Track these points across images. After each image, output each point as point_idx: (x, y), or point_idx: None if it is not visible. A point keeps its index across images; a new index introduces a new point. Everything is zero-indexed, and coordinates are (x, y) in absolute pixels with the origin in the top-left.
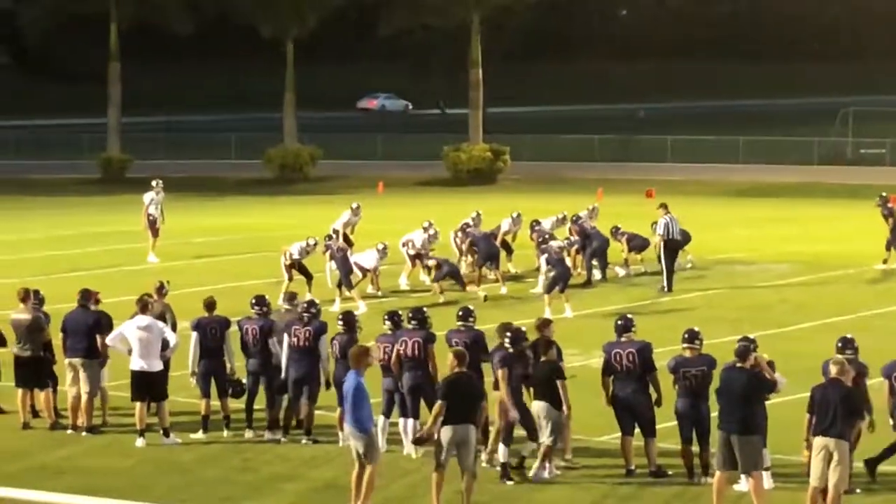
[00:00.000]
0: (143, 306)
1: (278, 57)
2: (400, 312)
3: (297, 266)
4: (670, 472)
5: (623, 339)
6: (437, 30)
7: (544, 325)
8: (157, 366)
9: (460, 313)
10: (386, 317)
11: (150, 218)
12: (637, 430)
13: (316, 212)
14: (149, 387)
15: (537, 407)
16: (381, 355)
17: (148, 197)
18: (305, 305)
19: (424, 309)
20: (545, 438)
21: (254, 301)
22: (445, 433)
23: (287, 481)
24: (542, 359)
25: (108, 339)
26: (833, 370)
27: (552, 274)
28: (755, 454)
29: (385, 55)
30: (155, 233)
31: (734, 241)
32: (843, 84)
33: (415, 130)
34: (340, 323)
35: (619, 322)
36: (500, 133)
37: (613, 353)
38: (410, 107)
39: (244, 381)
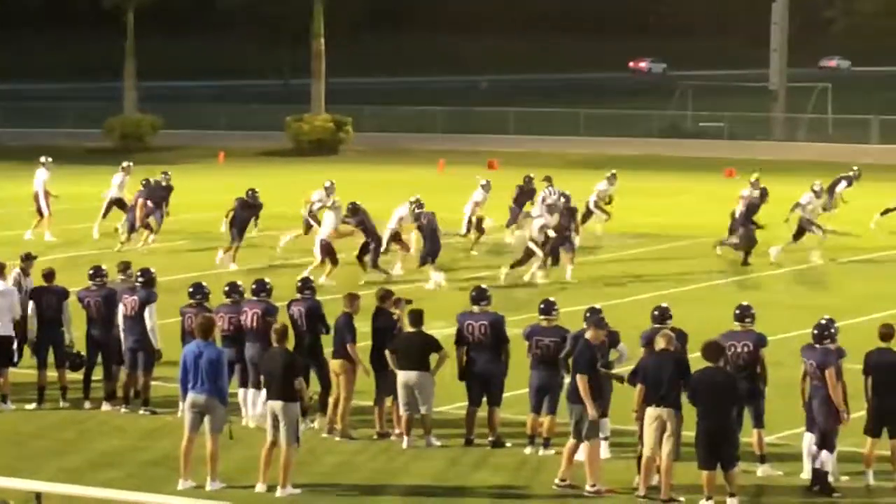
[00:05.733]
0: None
1: (120, 27)
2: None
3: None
4: (509, 444)
5: (476, 310)
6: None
7: (387, 296)
8: (9, 330)
9: (474, 294)
10: (227, 288)
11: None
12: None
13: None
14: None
15: (410, 377)
16: (226, 325)
17: (40, 175)
18: (138, 273)
19: (266, 280)
20: (423, 408)
21: (91, 272)
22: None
23: (125, 453)
24: (412, 330)
25: None
26: (661, 342)
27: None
28: (582, 423)
29: (232, 25)
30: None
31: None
32: (682, 59)
33: (258, 101)
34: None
35: (473, 293)
36: (344, 104)
37: (466, 323)
38: None
39: (83, 353)
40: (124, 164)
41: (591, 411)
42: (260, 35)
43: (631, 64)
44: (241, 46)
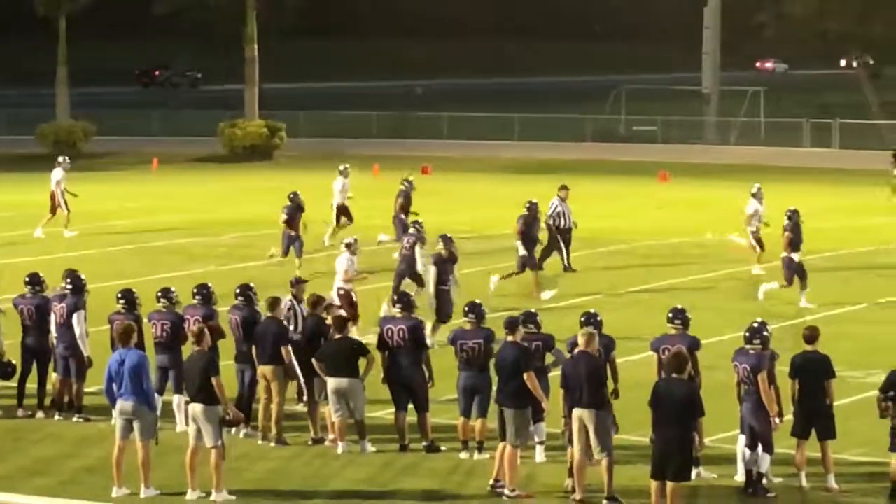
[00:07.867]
0: None
1: (53, 33)
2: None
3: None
4: (444, 448)
5: (397, 315)
6: (216, 6)
7: (318, 301)
8: None
9: (395, 298)
10: (158, 293)
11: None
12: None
13: (89, 188)
14: None
15: (340, 383)
16: (158, 332)
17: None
18: (66, 280)
19: (209, 284)
20: (356, 414)
21: (27, 280)
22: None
23: (59, 460)
24: (338, 336)
25: None
26: (581, 341)
27: None
28: (523, 427)
29: (165, 31)
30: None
31: (512, 219)
32: (616, 64)
33: (192, 106)
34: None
35: (395, 297)
36: (278, 109)
37: (386, 328)
38: None
39: (13, 361)
40: (341, 166)
41: (545, 405)
42: (192, 41)
43: (758, 64)
44: (173, 52)
